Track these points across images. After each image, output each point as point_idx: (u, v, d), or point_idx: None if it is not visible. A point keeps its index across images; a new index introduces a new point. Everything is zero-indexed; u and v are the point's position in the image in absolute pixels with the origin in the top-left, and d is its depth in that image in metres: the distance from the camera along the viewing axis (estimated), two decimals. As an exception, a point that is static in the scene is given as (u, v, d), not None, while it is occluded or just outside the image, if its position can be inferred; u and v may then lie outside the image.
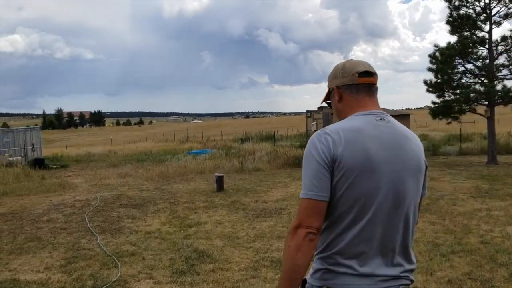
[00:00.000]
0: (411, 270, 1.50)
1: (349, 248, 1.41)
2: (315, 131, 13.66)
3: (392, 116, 1.59)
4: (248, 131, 37.27)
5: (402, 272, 1.45)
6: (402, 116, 21.30)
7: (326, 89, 1.64)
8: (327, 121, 21.42)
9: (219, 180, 11.05)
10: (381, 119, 1.48)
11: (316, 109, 22.66)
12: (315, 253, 1.46)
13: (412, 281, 1.50)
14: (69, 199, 10.54)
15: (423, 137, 23.50)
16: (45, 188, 12.48)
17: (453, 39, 15.16)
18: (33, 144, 19.78)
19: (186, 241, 6.69)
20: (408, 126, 19.82)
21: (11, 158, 19.36)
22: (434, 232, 6.59)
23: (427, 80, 15.38)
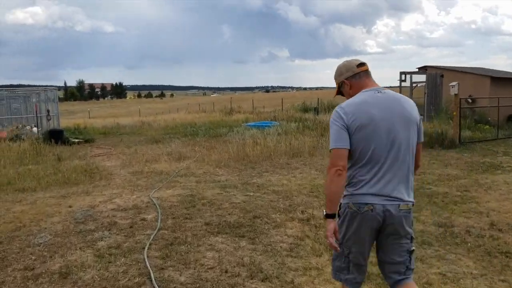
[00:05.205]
0: (405, 197, 2.17)
1: (363, 175, 2.15)
2: (456, 94, 10.86)
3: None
4: (274, 105, 32.42)
5: (400, 198, 2.15)
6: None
7: (334, 97, 2.66)
8: (435, 85, 16.13)
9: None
10: (378, 92, 2.23)
11: (417, 70, 17.34)
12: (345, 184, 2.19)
13: (407, 204, 2.17)
14: (103, 205, 5.77)
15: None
16: (62, 177, 7.78)
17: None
18: (48, 111, 14.97)
19: None
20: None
21: (34, 129, 14.68)
22: None
23: None
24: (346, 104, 2.20)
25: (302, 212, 5.27)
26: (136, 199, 6.07)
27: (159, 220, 4.93)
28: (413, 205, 2.21)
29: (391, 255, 2.22)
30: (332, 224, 2.15)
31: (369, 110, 2.14)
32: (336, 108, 2.22)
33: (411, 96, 15.66)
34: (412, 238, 2.25)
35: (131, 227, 4.78)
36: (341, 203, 2.22)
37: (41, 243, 4.35)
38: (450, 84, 10.59)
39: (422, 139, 2.30)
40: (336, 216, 2.19)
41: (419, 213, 5.07)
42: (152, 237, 4.38)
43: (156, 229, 4.62)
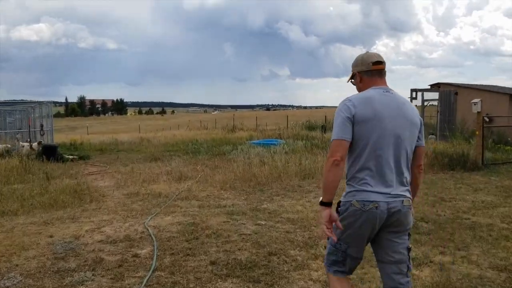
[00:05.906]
0: (406, 193, 2.23)
1: (365, 172, 2.17)
2: (479, 112, 10.04)
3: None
4: (276, 123, 31.78)
5: (399, 193, 2.20)
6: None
7: (347, 82, 2.47)
8: (448, 103, 15.41)
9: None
10: (386, 91, 2.28)
11: (429, 87, 16.65)
12: (346, 180, 2.25)
13: (409, 200, 2.23)
14: (89, 235, 4.93)
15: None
16: (49, 198, 6.95)
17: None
18: (41, 126, 14.18)
19: None
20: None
21: (27, 144, 13.78)
22: None
23: None
24: (354, 97, 2.26)
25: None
26: (129, 227, 5.22)
27: (155, 258, 4.08)
28: (411, 201, 2.30)
29: (392, 253, 2.25)
30: (327, 211, 2.18)
31: (375, 106, 2.19)
32: (343, 100, 2.27)
33: (422, 115, 14.93)
34: (409, 235, 2.32)
35: (120, 266, 3.93)
36: (341, 201, 2.26)
37: (7, 287, 3.50)
38: (472, 101, 9.83)
39: (424, 144, 2.38)
40: (335, 211, 2.22)
41: (467, 251, 4.23)
42: (145, 281, 3.53)
43: (151, 270, 3.77)
